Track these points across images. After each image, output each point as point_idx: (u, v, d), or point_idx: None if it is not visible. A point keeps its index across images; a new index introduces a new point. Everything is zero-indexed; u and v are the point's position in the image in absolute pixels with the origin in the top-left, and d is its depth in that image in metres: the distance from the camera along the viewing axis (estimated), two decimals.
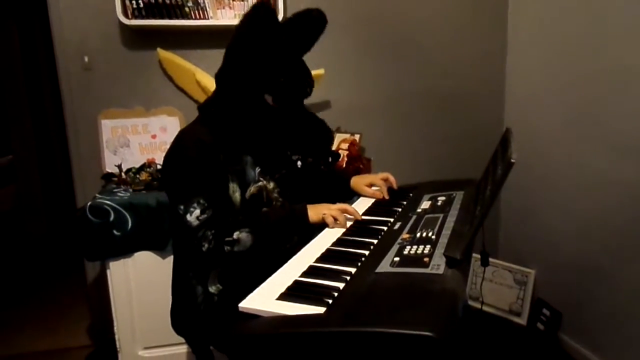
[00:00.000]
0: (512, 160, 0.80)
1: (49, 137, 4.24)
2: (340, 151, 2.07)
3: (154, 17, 1.94)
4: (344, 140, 2.14)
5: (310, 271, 0.97)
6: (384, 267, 0.92)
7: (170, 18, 1.95)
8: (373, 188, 1.54)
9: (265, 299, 0.86)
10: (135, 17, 1.93)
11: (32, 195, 4.08)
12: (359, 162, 2.06)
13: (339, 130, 2.24)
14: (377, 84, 2.38)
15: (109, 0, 1.93)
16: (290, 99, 1.25)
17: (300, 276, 0.95)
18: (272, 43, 1.19)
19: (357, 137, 2.16)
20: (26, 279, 3.29)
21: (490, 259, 2.39)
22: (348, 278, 0.91)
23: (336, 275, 0.92)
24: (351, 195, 1.57)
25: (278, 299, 0.86)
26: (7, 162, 4.03)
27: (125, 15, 1.92)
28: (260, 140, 1.31)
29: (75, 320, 2.56)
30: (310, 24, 1.27)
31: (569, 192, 2.08)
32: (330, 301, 0.82)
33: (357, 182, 1.54)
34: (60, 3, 1.99)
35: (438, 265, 0.87)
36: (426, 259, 0.91)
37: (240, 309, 0.84)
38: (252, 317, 0.83)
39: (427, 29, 2.37)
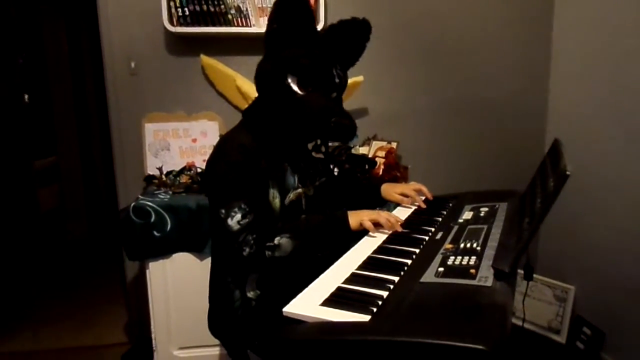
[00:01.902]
0: (568, 173, 0.78)
1: (91, 139, 4.40)
2: (377, 159, 2.06)
3: (199, 25, 1.99)
4: (380, 148, 2.14)
5: (353, 278, 0.97)
6: (429, 277, 0.91)
7: (214, 25, 2.00)
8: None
9: (309, 304, 0.86)
10: (181, 25, 1.98)
11: (75, 195, 4.23)
12: (396, 171, 2.05)
13: (375, 138, 2.24)
14: (415, 91, 2.36)
15: (156, 8, 1.99)
16: (313, 83, 1.20)
17: (343, 283, 0.95)
18: (297, 22, 1.19)
19: (394, 145, 2.15)
20: (66, 276, 3.40)
21: None
22: (391, 286, 0.90)
23: (379, 283, 0.91)
24: (382, 203, 1.55)
25: (322, 304, 0.85)
26: (51, 163, 4.20)
27: (171, 22, 1.98)
28: (295, 143, 1.31)
29: (113, 318, 2.62)
30: (352, 28, 1.28)
31: (612, 205, 2.01)
32: (375, 309, 0.81)
33: (388, 189, 1.51)
34: (109, 10, 2.07)
35: (486, 277, 0.85)
36: (472, 271, 0.89)
37: (284, 314, 0.84)
38: (294, 322, 0.83)
39: (467, 35, 2.34)
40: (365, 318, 0.79)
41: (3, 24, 3.50)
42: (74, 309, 2.82)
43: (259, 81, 1.26)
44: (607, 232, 2.04)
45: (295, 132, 1.25)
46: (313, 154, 1.53)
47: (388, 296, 0.86)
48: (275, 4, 1.21)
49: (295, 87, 1.19)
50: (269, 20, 1.22)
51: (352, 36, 1.30)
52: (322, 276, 0.99)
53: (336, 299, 0.87)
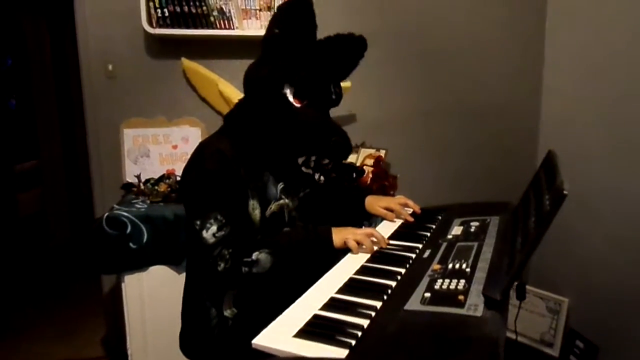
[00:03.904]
0: (565, 192, 0.71)
1: (74, 142, 4.29)
2: (364, 167, 1.99)
3: (179, 26, 1.91)
4: (369, 156, 2.06)
5: (332, 304, 0.89)
6: (413, 304, 0.83)
7: (196, 27, 1.93)
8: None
9: (282, 335, 0.78)
10: (160, 26, 1.90)
11: (57, 199, 4.12)
12: (384, 180, 1.98)
13: (364, 145, 2.17)
14: (405, 97, 2.30)
15: (134, 9, 1.91)
16: (310, 97, 1.16)
17: (321, 309, 0.87)
18: (300, 30, 1.15)
19: (382, 152, 2.08)
20: (47, 283, 3.30)
21: None
22: (373, 314, 0.83)
23: (360, 310, 0.84)
24: (366, 217, 1.47)
25: (295, 336, 0.78)
26: (32, 166, 4.09)
27: (150, 24, 1.90)
28: (283, 154, 1.24)
29: (92, 330, 2.53)
30: (348, 44, 1.23)
31: (607, 217, 1.96)
32: (354, 342, 0.73)
33: (372, 202, 1.44)
34: (86, 11, 1.98)
35: (475, 305, 0.78)
36: (461, 297, 0.82)
37: (253, 346, 0.77)
38: (266, 355, 0.76)
39: (458, 41, 2.29)
40: (343, 353, 0.71)
41: None
42: (53, 319, 2.74)
43: (250, 85, 1.20)
44: (602, 242, 1.99)
45: (287, 144, 1.19)
46: (303, 168, 1.47)
47: (369, 326, 0.79)
48: (280, 8, 1.16)
49: (291, 98, 1.14)
50: (271, 23, 1.17)
51: (347, 52, 1.24)
52: (298, 301, 0.91)
53: (311, 330, 0.79)
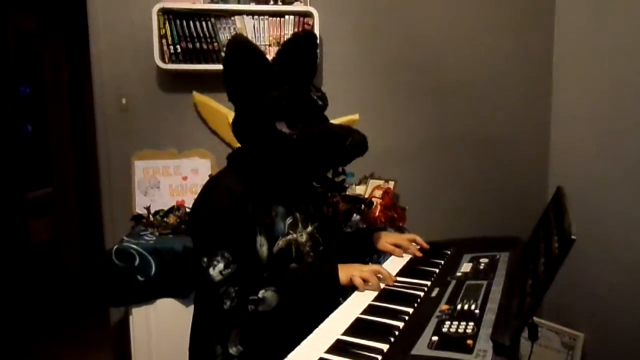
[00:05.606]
0: (573, 237, 0.70)
1: (87, 171, 4.35)
2: (373, 199, 1.99)
3: (191, 62, 1.95)
4: (377, 187, 2.06)
5: (337, 346, 0.87)
6: (421, 348, 0.81)
7: (207, 62, 1.97)
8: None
9: None
10: (172, 62, 1.95)
11: (70, 226, 4.16)
12: (393, 211, 1.97)
13: (373, 177, 2.17)
14: (414, 128, 2.31)
15: (148, 45, 1.96)
16: (302, 118, 1.15)
17: (326, 352, 0.85)
18: (257, 71, 1.15)
19: (391, 184, 2.08)
20: (56, 312, 3.29)
21: (535, 319, 2.21)
22: (379, 358, 0.81)
23: (366, 354, 0.82)
24: (374, 252, 1.46)
25: None
26: (45, 194, 4.15)
27: (163, 59, 1.95)
28: (291, 184, 1.25)
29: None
30: (299, 44, 1.22)
31: (622, 247, 1.92)
32: None
33: (380, 239, 1.43)
34: (101, 46, 2.04)
35: (484, 351, 0.76)
36: (470, 342, 0.80)
37: None
38: None
39: (467, 73, 2.31)
40: None
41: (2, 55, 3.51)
42: (60, 350, 2.73)
43: (244, 139, 1.22)
44: (618, 274, 1.95)
45: (307, 171, 1.20)
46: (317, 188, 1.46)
47: None
48: (225, 62, 1.17)
49: (287, 130, 1.14)
50: (225, 78, 1.18)
51: (303, 52, 1.23)
52: (303, 343, 0.90)
53: None
